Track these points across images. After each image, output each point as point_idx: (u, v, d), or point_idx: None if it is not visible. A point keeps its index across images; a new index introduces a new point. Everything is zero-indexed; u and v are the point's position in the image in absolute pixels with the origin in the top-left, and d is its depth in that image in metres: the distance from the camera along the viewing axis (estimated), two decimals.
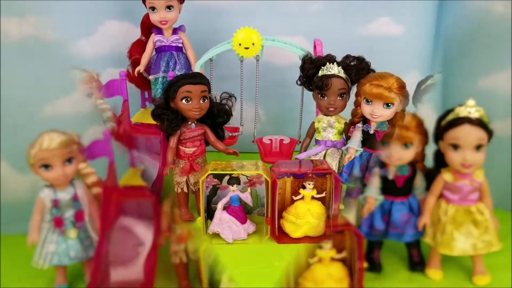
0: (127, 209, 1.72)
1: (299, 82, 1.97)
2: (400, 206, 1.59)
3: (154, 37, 2.01)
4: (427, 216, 1.58)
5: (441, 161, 1.58)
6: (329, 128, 1.92)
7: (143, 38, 2.14)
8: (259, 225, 1.82)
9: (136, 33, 2.20)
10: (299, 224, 1.74)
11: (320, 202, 1.76)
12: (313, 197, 1.75)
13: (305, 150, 1.98)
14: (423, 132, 1.56)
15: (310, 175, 1.74)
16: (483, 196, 1.57)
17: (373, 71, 1.87)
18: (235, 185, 1.72)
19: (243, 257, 1.65)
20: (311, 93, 1.96)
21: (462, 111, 1.48)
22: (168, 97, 1.81)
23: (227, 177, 1.75)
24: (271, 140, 2.19)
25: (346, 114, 1.93)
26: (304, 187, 1.75)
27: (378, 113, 1.77)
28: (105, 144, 1.77)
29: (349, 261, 1.54)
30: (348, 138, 1.90)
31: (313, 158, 1.93)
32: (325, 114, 1.92)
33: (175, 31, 2.02)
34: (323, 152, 1.93)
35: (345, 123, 1.92)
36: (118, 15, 2.28)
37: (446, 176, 1.55)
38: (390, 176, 1.58)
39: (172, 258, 1.58)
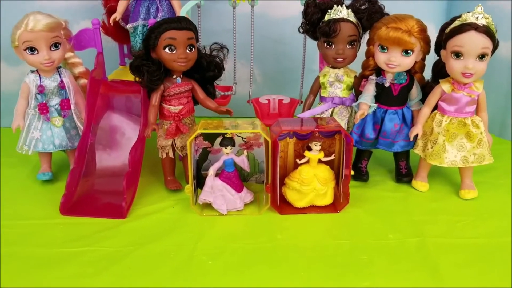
0: (115, 103, 1.75)
1: (301, 30, 1.70)
2: (393, 116, 1.59)
3: None
4: (420, 126, 1.57)
5: (439, 74, 1.57)
6: (337, 83, 1.66)
7: None
8: (257, 194, 1.58)
9: None
10: (304, 192, 1.49)
11: (328, 167, 1.52)
12: (320, 161, 1.50)
13: (308, 109, 1.72)
14: (426, 39, 1.52)
15: (316, 134, 1.48)
16: (480, 109, 1.54)
17: (387, 14, 1.60)
18: (229, 147, 1.46)
19: (239, 230, 1.42)
20: (314, 47, 1.69)
21: (469, 17, 1.41)
22: (149, 45, 1.53)
23: (219, 139, 1.49)
24: (268, 100, 1.94)
25: (356, 67, 1.68)
26: (309, 149, 1.50)
27: (395, 61, 1.52)
28: (93, 34, 1.69)
29: (336, 166, 1.55)
30: (358, 94, 1.65)
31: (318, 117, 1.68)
32: (332, 67, 1.66)
33: None
34: (330, 111, 1.69)
35: (355, 77, 1.67)
36: None
37: (444, 86, 1.52)
38: (387, 83, 1.55)
39: (159, 153, 1.59)
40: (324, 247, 1.33)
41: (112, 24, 1.80)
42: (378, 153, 1.78)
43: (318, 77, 1.71)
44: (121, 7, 1.79)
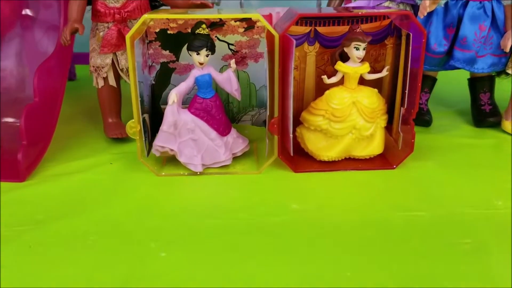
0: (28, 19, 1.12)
1: None
2: (477, 11, 0.97)
3: None
4: None
5: None
6: None
7: None
8: (255, 143, 0.95)
9: None
10: (336, 134, 0.87)
11: (376, 90, 0.88)
12: (362, 81, 0.86)
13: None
14: None
15: (358, 29, 0.84)
16: None
17: None
18: (204, 52, 0.82)
19: (225, 200, 0.79)
20: None
21: None
22: None
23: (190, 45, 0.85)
24: (270, 14, 1.28)
25: None
26: (344, 59, 0.86)
27: None
28: None
29: (387, 94, 0.94)
30: None
31: None
32: None
33: None
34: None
35: None
36: None
37: None
38: None
39: (93, 80, 1.02)
40: (375, 225, 0.71)
41: None
42: (440, 83, 1.14)
43: None
44: None
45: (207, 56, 0.83)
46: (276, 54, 0.80)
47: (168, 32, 0.90)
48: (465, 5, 0.98)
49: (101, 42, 0.97)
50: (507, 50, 0.98)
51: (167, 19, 0.88)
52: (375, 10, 0.86)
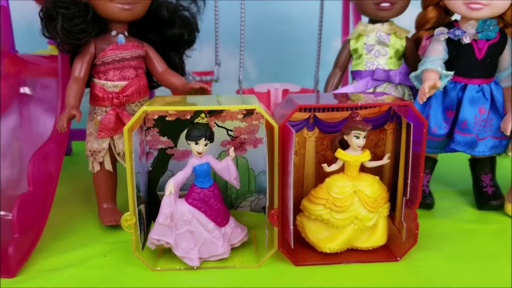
0: (28, 89, 1.13)
1: None
2: (476, 95, 0.98)
3: None
4: None
5: None
6: (379, 48, 1.04)
7: None
8: (254, 230, 0.92)
9: None
10: (338, 224, 0.84)
11: (377, 178, 0.86)
12: (362, 168, 0.85)
13: (334, 90, 1.08)
14: None
15: (357, 118, 0.83)
16: None
17: None
18: (202, 141, 0.81)
19: None
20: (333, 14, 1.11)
21: None
22: None
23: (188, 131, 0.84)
24: (268, 90, 1.30)
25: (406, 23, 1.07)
26: (344, 146, 0.85)
27: None
28: None
29: (389, 179, 0.93)
30: (413, 65, 1.02)
31: None
32: (371, 21, 1.04)
33: None
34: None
35: (407, 38, 1.04)
36: None
37: None
38: (466, 38, 0.94)
39: (89, 164, 1.00)
40: None
41: None
42: (441, 166, 1.13)
43: (347, 42, 1.08)
44: None
45: (205, 145, 0.82)
46: (276, 144, 0.79)
47: (167, 118, 0.89)
48: (463, 88, 0.98)
49: (98, 126, 0.96)
50: (508, 133, 0.97)
51: (165, 101, 0.88)
52: (374, 98, 0.86)
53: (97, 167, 0.98)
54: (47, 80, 1.14)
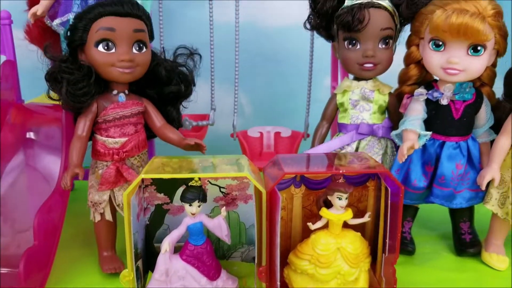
0: (34, 137, 1.18)
1: (308, 26, 1.16)
2: (454, 151, 1.05)
3: None
4: (496, 167, 1.03)
5: None
6: (364, 103, 1.11)
7: None
8: (244, 279, 0.99)
9: None
10: (322, 279, 0.90)
11: (359, 234, 0.93)
12: (346, 225, 0.91)
13: (320, 143, 1.15)
14: (503, 30, 0.98)
15: (340, 180, 0.90)
16: None
17: None
18: (195, 204, 0.87)
19: None
20: (323, 55, 1.17)
21: None
22: (75, 42, 0.99)
23: (181, 189, 0.90)
24: (261, 133, 1.37)
25: (390, 79, 1.13)
26: (328, 205, 0.91)
27: (458, 64, 0.98)
28: (2, 33, 1.19)
29: (370, 233, 1.00)
30: (396, 120, 1.09)
31: None
32: (356, 78, 1.11)
33: None
34: (353, 145, 1.11)
35: (390, 94, 1.11)
36: None
37: None
38: (444, 99, 1.01)
39: (91, 214, 1.05)
40: None
41: (34, 23, 1.24)
42: (423, 208, 1.19)
43: (334, 96, 1.15)
44: None
45: (199, 206, 0.88)
46: (264, 208, 0.86)
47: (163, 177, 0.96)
48: (442, 145, 1.04)
49: (99, 179, 1.02)
50: (483, 188, 1.03)
51: (162, 163, 0.94)
52: (357, 163, 0.92)
53: (98, 217, 1.05)
54: (51, 128, 1.21)
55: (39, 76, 1.08)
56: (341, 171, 0.87)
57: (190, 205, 0.87)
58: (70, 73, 0.96)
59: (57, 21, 1.22)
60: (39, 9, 1.22)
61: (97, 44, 0.97)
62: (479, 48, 0.97)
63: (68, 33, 1.00)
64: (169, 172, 0.89)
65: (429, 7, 1.00)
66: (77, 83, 0.96)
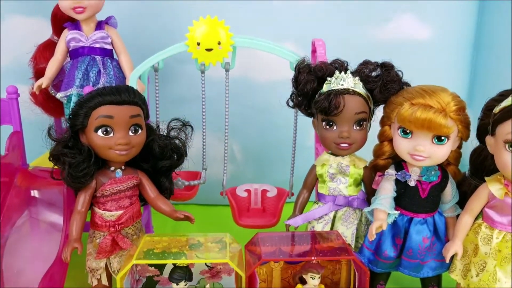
0: (38, 199, 1.28)
1: (291, 103, 1.26)
2: (421, 226, 1.15)
3: (66, 35, 1.29)
4: (459, 242, 1.12)
5: (481, 166, 1.17)
6: (340, 176, 1.21)
7: (55, 38, 1.43)
8: None
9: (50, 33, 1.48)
10: None
11: None
12: None
13: (301, 212, 1.26)
14: (465, 121, 1.10)
15: (314, 261, 1.00)
16: None
17: (408, 84, 1.18)
18: (182, 283, 0.98)
19: None
20: (308, 119, 1.26)
21: None
22: (76, 126, 1.08)
23: (171, 266, 1.01)
24: (248, 191, 1.47)
25: (365, 151, 1.23)
26: (303, 282, 1.01)
27: (424, 152, 1.07)
28: (9, 107, 1.27)
29: None
30: (370, 190, 1.19)
31: (315, 225, 1.20)
32: (333, 154, 1.21)
33: (99, 25, 1.33)
34: (331, 215, 1.21)
35: (365, 168, 1.21)
36: (25, 9, 1.57)
37: (493, 187, 1.08)
38: (412, 181, 1.11)
39: (88, 278, 1.13)
40: None
41: (37, 92, 1.35)
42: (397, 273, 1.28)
43: (314, 167, 1.25)
44: (50, 71, 1.35)
45: (185, 285, 0.98)
46: (242, 283, 0.96)
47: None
48: (410, 221, 1.14)
49: (96, 248, 1.13)
50: (447, 260, 1.13)
51: (153, 241, 1.04)
52: (327, 248, 1.02)
53: (95, 282, 1.15)
54: (53, 189, 1.31)
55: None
56: (313, 259, 0.97)
57: (177, 284, 0.98)
58: (72, 157, 1.06)
59: (60, 94, 1.33)
60: (44, 82, 1.33)
61: (96, 129, 1.07)
62: (442, 138, 1.06)
63: (70, 117, 1.10)
64: (159, 249, 0.99)
65: (398, 98, 1.10)
66: (78, 165, 1.06)
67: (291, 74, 1.27)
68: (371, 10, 1.70)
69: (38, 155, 1.42)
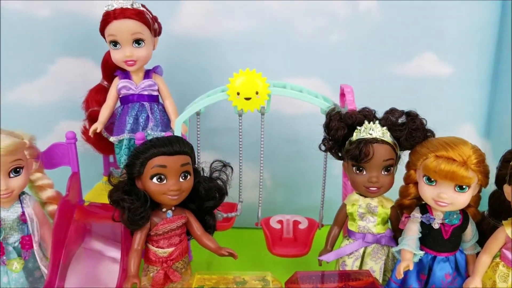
0: (94, 232, 1.45)
1: (323, 147, 1.38)
2: (443, 264, 1.26)
3: (117, 83, 1.42)
4: (478, 279, 1.23)
5: (500, 208, 1.27)
6: (369, 216, 1.32)
7: (105, 83, 1.56)
8: None
9: (98, 75, 1.62)
10: None
11: None
12: None
13: (332, 246, 1.37)
14: (485, 172, 1.20)
15: None
16: None
17: (431, 132, 1.29)
18: None
19: None
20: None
21: None
22: (133, 173, 1.21)
23: None
24: (281, 222, 1.59)
25: (392, 192, 1.34)
26: None
27: (447, 199, 1.18)
28: (68, 150, 1.39)
29: None
30: (396, 228, 1.30)
31: (346, 259, 1.32)
32: (362, 195, 1.32)
33: (147, 74, 1.45)
34: (361, 251, 1.33)
35: (392, 208, 1.32)
36: (74, 51, 1.72)
37: (509, 229, 1.19)
38: (435, 224, 1.24)
39: None
40: None
41: (91, 135, 1.49)
42: None
43: (344, 205, 1.36)
44: (103, 116, 1.48)
45: None
46: None
47: None
48: (433, 259, 1.25)
49: (150, 282, 1.26)
50: None
51: (204, 279, 1.17)
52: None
53: None
54: (105, 223, 1.44)
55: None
56: None
57: None
58: (131, 203, 1.19)
59: (114, 139, 1.46)
60: (98, 127, 1.46)
61: (152, 177, 1.19)
62: (464, 187, 1.17)
63: (128, 166, 1.23)
64: (209, 286, 1.11)
65: (423, 149, 1.21)
66: (136, 210, 1.19)
67: (316, 108, 1.40)
68: (391, 47, 1.81)
69: (86, 183, 1.56)
